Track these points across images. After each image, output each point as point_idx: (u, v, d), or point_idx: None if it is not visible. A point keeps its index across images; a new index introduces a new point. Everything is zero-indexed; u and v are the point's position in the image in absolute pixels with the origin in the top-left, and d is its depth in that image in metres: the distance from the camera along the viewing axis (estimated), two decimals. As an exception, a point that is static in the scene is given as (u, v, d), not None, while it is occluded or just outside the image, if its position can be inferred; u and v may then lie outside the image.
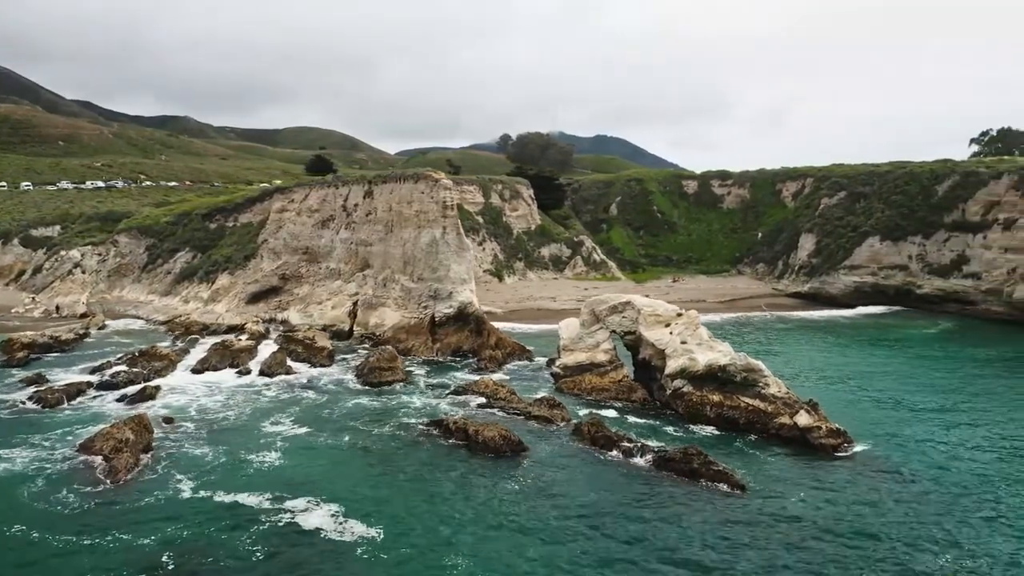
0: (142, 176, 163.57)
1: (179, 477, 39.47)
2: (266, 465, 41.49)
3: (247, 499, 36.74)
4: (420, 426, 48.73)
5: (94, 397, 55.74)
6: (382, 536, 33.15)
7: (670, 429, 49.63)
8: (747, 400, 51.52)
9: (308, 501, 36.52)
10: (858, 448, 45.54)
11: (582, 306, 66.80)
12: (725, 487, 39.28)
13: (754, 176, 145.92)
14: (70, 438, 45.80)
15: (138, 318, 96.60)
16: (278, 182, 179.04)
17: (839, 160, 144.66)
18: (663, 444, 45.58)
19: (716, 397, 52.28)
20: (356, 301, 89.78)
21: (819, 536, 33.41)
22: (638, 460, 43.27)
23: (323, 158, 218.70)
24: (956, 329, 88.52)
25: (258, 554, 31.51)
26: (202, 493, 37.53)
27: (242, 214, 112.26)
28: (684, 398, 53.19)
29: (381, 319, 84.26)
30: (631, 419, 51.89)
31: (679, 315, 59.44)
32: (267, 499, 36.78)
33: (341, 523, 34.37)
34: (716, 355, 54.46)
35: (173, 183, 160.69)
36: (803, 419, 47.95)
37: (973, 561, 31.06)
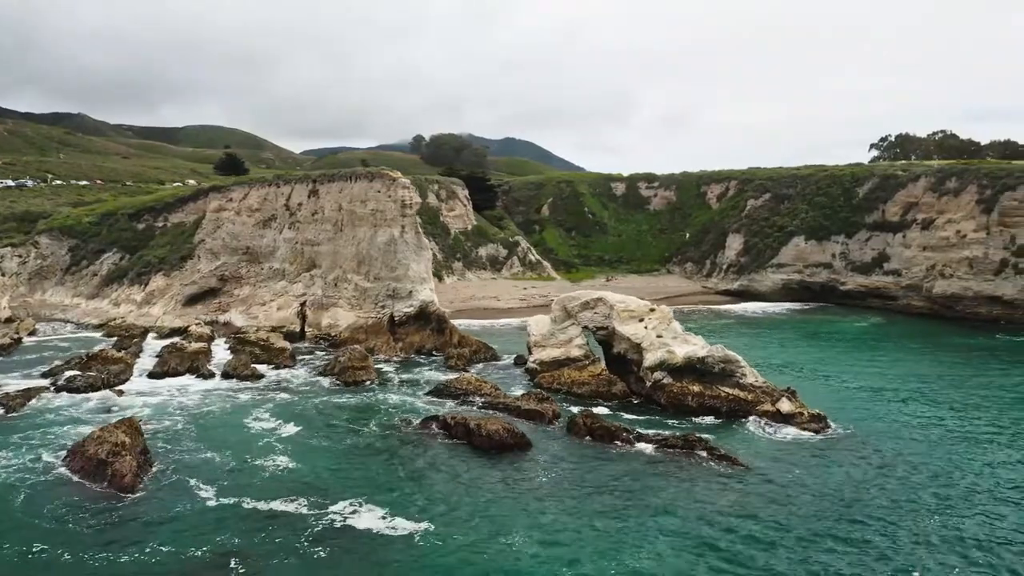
0: (50, 175, 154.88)
1: (194, 482, 38.02)
2: (279, 468, 40.42)
3: (280, 504, 35.87)
4: (416, 423, 48.43)
5: (62, 403, 52.83)
6: (431, 529, 33.32)
7: (658, 419, 51.06)
8: (726, 390, 53.61)
9: (344, 503, 36.01)
10: (837, 429, 48.08)
11: (552, 303, 67.90)
12: (729, 467, 41.14)
13: (679, 179, 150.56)
14: (51, 441, 43.55)
15: (67, 322, 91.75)
16: (191, 182, 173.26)
17: (737, 164, 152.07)
18: (658, 432, 46.92)
19: (696, 388, 54.14)
20: (304, 302, 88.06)
21: (821, 500, 36.37)
22: (641, 447, 44.46)
23: (233, 157, 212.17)
24: (885, 323, 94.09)
25: (319, 553, 31.16)
26: (228, 499, 36.30)
27: (172, 214, 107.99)
28: (665, 389, 54.80)
29: (334, 319, 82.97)
30: (617, 411, 53.04)
31: (652, 310, 61.12)
32: (299, 502, 36.17)
33: (385, 520, 34.22)
34: (693, 347, 56.41)
35: (84, 182, 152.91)
36: (785, 406, 50.29)
37: (945, 515, 35.17)
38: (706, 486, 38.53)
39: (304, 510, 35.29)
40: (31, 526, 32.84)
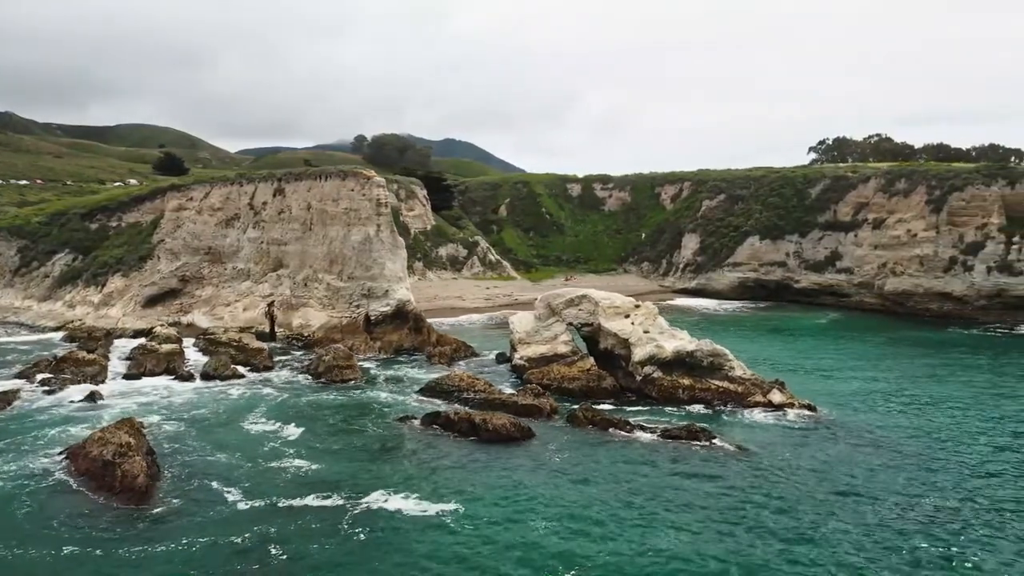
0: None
1: (210, 481, 37.18)
2: (295, 465, 39.80)
3: (307, 497, 35.64)
4: (418, 419, 48.22)
5: (45, 404, 51.00)
6: (461, 511, 33.96)
7: (652, 410, 51.95)
8: (716, 382, 54.93)
9: (371, 493, 36.10)
10: (827, 418, 49.80)
11: (537, 300, 68.44)
12: (734, 452, 42.61)
13: (633, 180, 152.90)
14: (43, 444, 42.10)
15: (20, 324, 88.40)
16: (133, 181, 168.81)
17: (674, 167, 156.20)
18: (657, 422, 48.04)
19: (687, 381, 55.32)
20: (272, 302, 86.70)
21: (827, 479, 38.47)
22: (645, 436, 45.36)
23: (172, 156, 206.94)
24: (844, 319, 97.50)
25: (358, 536, 31.54)
26: (253, 495, 35.75)
27: (127, 213, 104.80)
28: (656, 383, 55.82)
29: (306, 319, 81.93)
30: (612, 404, 53.79)
31: (637, 306, 62.16)
32: (325, 493, 36.10)
33: (414, 505, 34.72)
34: (681, 342, 57.62)
35: (24, 181, 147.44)
36: (777, 397, 51.82)
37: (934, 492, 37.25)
38: (718, 468, 39.94)
39: (332, 501, 35.29)
40: (49, 534, 31.53)
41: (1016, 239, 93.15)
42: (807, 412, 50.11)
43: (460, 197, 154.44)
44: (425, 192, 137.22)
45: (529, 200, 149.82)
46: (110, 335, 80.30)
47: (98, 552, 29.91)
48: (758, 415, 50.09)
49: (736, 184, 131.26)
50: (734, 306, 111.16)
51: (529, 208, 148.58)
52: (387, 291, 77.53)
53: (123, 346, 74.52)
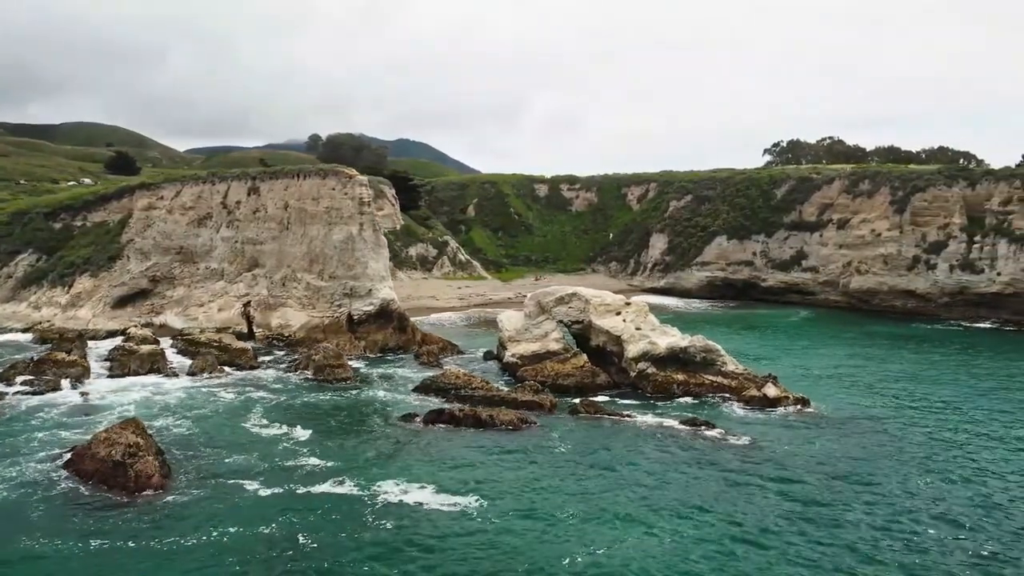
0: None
1: (226, 479, 36.56)
2: (310, 462, 39.29)
3: (328, 489, 35.64)
4: (421, 416, 48.12)
5: (34, 405, 49.57)
6: (483, 501, 34.33)
7: (649, 404, 52.66)
8: (710, 377, 56.03)
9: (391, 485, 36.23)
10: (820, 410, 51.19)
11: (526, 298, 69.05)
12: (741, 442, 43.74)
13: (600, 181, 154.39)
14: (39, 447, 40.94)
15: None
16: (87, 180, 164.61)
17: (629, 168, 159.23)
18: (657, 414, 49.01)
19: (681, 376, 56.30)
20: (248, 302, 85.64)
21: (833, 467, 39.61)
22: (648, 428, 46.18)
23: (124, 155, 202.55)
24: (814, 316, 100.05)
25: (385, 525, 31.63)
26: (273, 489, 35.40)
27: (93, 212, 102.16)
28: (650, 379, 56.65)
29: (285, 319, 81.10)
30: (610, 398, 54.39)
31: (627, 304, 63.05)
32: (347, 486, 36.05)
33: (436, 496, 34.95)
34: (674, 338, 58.59)
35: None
36: (771, 391, 53.00)
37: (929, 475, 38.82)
38: (730, 455, 41.10)
39: (351, 493, 35.33)
40: (71, 528, 30.94)
41: (977, 238, 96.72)
42: (801, 406, 51.36)
43: (427, 197, 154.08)
44: (393, 191, 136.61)
45: (497, 200, 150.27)
46: (83, 336, 78.34)
47: (130, 544, 29.57)
48: (755, 409, 51.21)
49: (703, 185, 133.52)
50: (704, 305, 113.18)
51: (497, 208, 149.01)
52: (370, 290, 77.15)
53: (97, 347, 72.81)
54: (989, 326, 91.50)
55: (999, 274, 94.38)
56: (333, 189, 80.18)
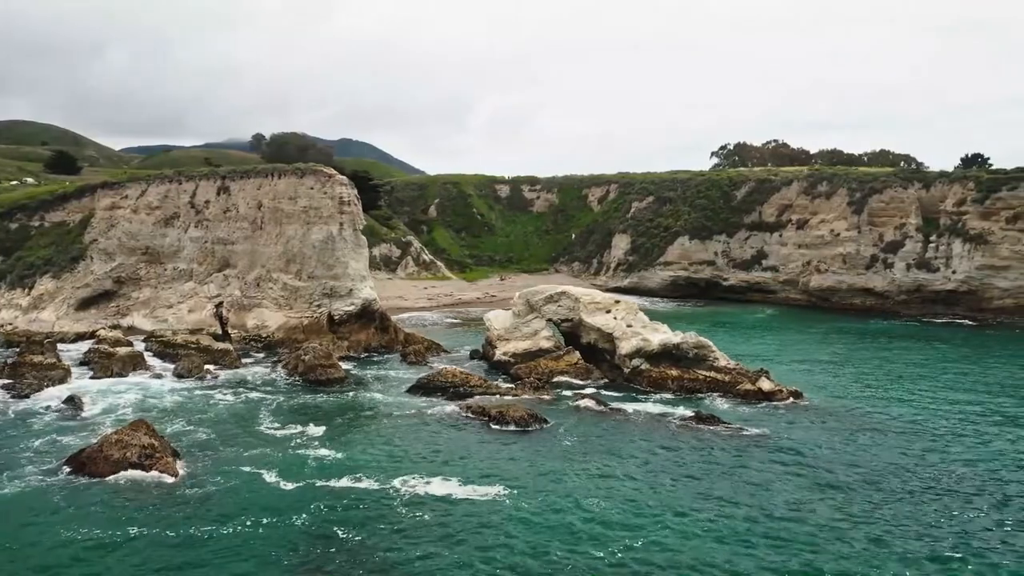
0: None
1: (247, 478, 35.96)
2: (331, 458, 38.98)
3: (355, 483, 35.61)
4: (425, 414, 48.06)
5: (23, 409, 47.90)
6: (506, 490, 34.87)
7: (646, 400, 53.49)
8: (703, 373, 57.20)
9: (415, 478, 36.39)
10: (814, 403, 52.84)
11: (515, 297, 69.31)
12: (742, 432, 45.07)
13: (561, 182, 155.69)
14: (41, 452, 39.62)
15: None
16: (30, 180, 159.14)
17: (581, 170, 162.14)
18: (657, 409, 50.13)
19: (675, 372, 57.35)
20: (220, 303, 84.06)
21: (835, 456, 41.03)
22: (650, 422, 47.09)
23: (65, 155, 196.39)
24: (779, 314, 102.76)
25: (417, 515, 31.98)
26: (300, 491, 34.85)
27: (51, 212, 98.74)
28: (644, 375, 57.61)
29: (261, 320, 79.87)
30: (607, 394, 55.03)
31: (617, 302, 64.12)
32: (372, 480, 36.03)
33: (462, 487, 35.25)
34: (666, 335, 59.67)
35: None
36: (766, 385, 54.37)
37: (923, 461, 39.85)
38: (742, 446, 42.24)
39: (376, 487, 35.32)
40: (100, 545, 29.84)
41: (933, 238, 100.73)
42: (795, 399, 52.90)
43: (386, 197, 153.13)
44: (355, 191, 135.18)
45: (459, 200, 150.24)
46: (52, 339, 75.80)
47: (169, 533, 29.48)
48: (751, 402, 52.45)
49: (663, 186, 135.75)
50: (670, 304, 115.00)
51: (460, 208, 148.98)
52: (351, 290, 76.57)
53: (68, 351, 70.57)
54: (945, 321, 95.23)
55: (954, 272, 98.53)
56: (311, 188, 79.31)
